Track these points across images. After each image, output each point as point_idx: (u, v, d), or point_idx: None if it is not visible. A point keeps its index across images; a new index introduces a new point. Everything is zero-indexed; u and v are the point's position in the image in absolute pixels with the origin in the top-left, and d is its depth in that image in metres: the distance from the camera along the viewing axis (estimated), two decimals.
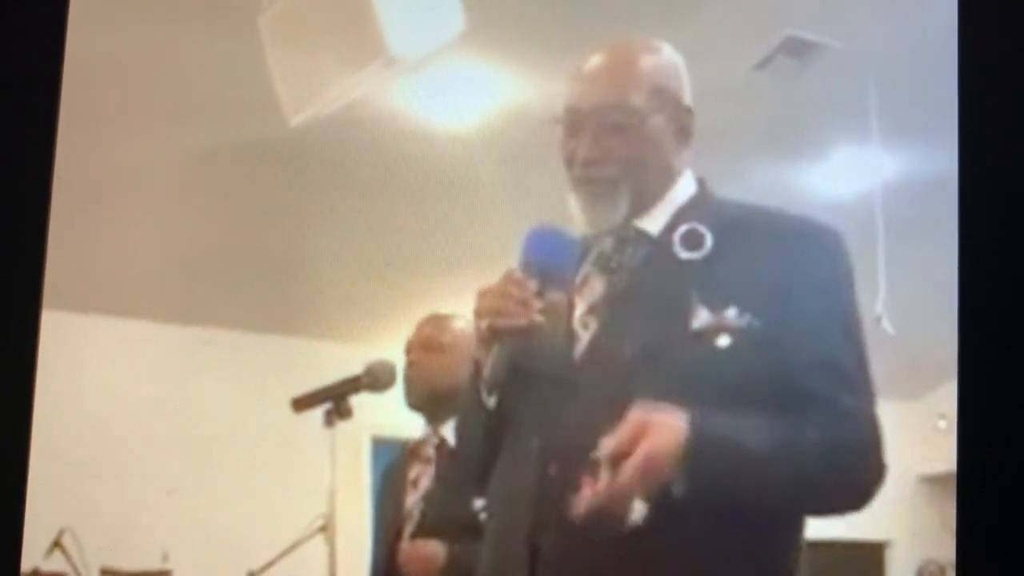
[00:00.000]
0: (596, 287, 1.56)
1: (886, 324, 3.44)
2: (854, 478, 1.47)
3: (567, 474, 1.44)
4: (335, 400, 2.50)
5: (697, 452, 1.39)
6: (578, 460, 1.44)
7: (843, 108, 3.63)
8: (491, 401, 1.57)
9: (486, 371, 1.54)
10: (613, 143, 1.56)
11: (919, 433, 5.41)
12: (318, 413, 2.53)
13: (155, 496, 4.44)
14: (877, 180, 3.70)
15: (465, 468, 1.75)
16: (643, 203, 1.56)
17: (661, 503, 1.39)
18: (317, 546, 2.65)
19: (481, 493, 1.68)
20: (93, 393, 4.52)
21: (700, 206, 1.58)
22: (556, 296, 1.55)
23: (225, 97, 3.48)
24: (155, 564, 4.14)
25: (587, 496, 1.42)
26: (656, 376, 1.45)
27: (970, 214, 1.54)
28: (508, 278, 1.52)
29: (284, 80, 2.96)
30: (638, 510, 1.43)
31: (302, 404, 2.57)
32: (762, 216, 1.57)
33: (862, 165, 3.81)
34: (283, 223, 4.20)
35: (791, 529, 1.50)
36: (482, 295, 1.53)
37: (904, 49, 3.33)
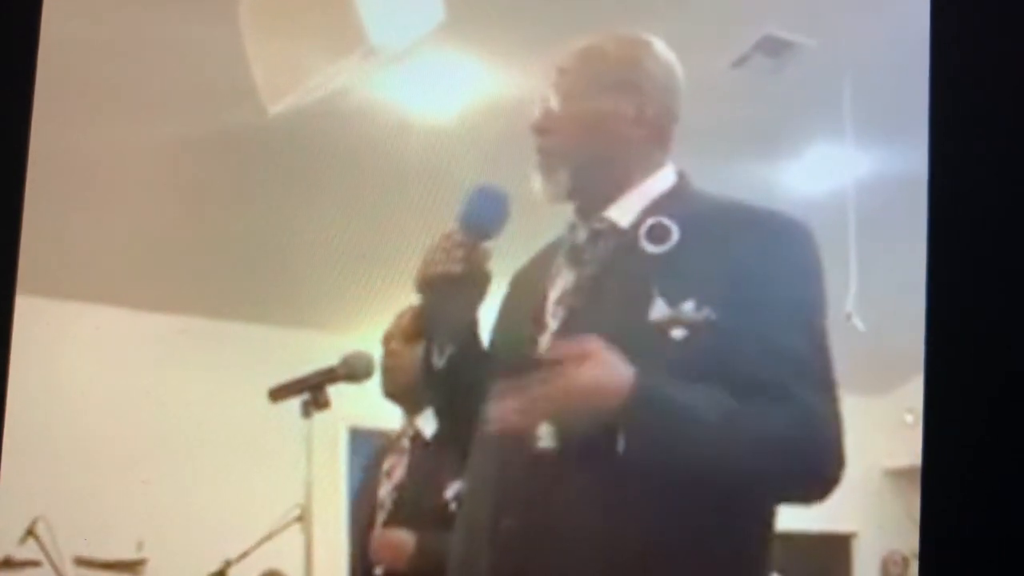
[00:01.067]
0: (567, 278, 1.59)
1: (856, 321, 3.47)
2: (812, 469, 1.48)
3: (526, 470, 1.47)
4: (312, 390, 2.51)
5: (642, 405, 1.41)
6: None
7: (818, 107, 3.66)
8: (440, 362, 1.60)
9: (425, 325, 1.61)
10: (563, 114, 1.61)
11: (886, 427, 5.46)
12: (295, 403, 2.54)
13: (130, 485, 4.43)
14: (850, 178, 3.73)
15: (436, 446, 1.78)
16: (606, 186, 1.60)
17: (607, 462, 1.41)
18: (294, 536, 2.66)
19: (456, 474, 1.71)
20: (68, 381, 4.50)
21: (674, 199, 1.60)
22: (484, 245, 1.59)
23: (204, 85, 3.48)
24: (130, 553, 4.13)
25: (503, 408, 1.46)
26: (647, 428, 1.43)
27: (940, 212, 1.57)
28: (441, 236, 1.59)
29: (263, 69, 2.96)
30: (545, 435, 1.46)
31: (279, 394, 2.58)
32: (733, 210, 1.58)
33: (836, 163, 3.84)
34: (260, 212, 4.19)
35: (755, 516, 1.51)
36: (424, 252, 1.60)
37: (879, 48, 3.37)
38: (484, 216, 1.61)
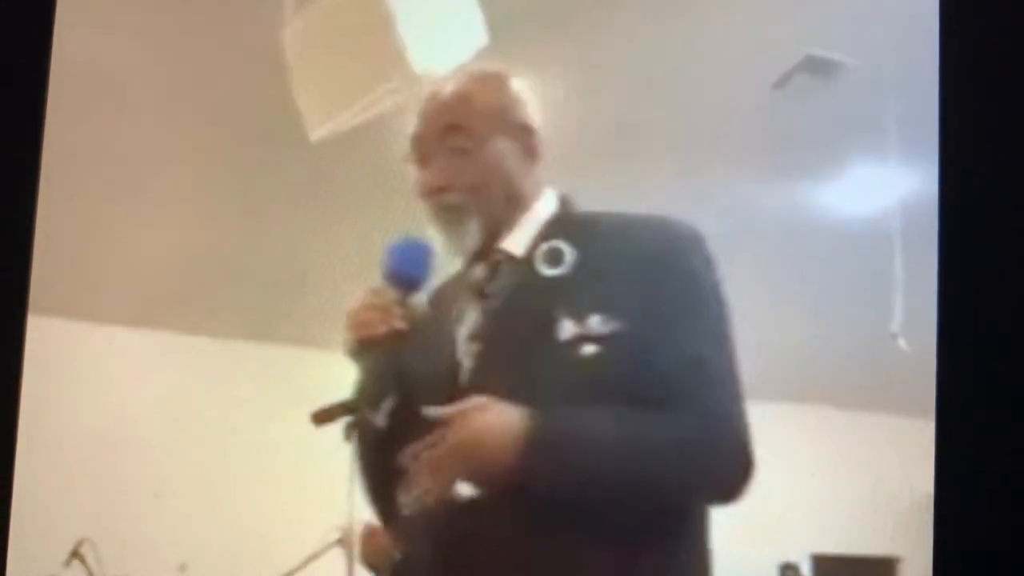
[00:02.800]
0: (472, 316, 1.61)
1: (901, 342, 3.44)
2: (720, 470, 1.52)
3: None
4: (354, 412, 2.51)
5: (539, 439, 1.44)
6: None
7: (861, 126, 3.63)
8: (379, 419, 1.62)
9: (360, 387, 1.61)
10: (457, 169, 1.62)
11: (931, 450, 5.40)
12: (337, 426, 2.55)
13: (172, 508, 4.46)
14: (895, 198, 3.69)
15: (367, 494, 1.79)
16: (501, 225, 1.62)
17: (524, 505, 1.45)
18: (335, 558, 2.66)
19: (385, 520, 1.73)
20: (111, 402, 4.54)
21: (563, 222, 1.63)
22: (418, 301, 1.60)
23: (238, 108, 3.50)
24: (172, 575, 4.16)
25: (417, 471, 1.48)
26: (533, 393, 1.49)
27: (951, 230, 1.55)
28: (368, 291, 1.58)
29: (305, 94, 2.98)
30: (465, 492, 1.48)
31: (321, 417, 2.58)
32: (622, 223, 1.62)
33: (880, 184, 3.81)
34: (284, 233, 4.21)
35: (678, 526, 1.52)
36: (348, 314, 1.59)
37: (923, 67, 3.33)
38: (413, 269, 1.61)
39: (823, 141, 3.91)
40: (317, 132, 2.99)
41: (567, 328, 1.52)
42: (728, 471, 1.52)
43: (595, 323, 1.51)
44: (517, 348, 1.55)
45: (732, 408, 1.52)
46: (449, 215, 1.62)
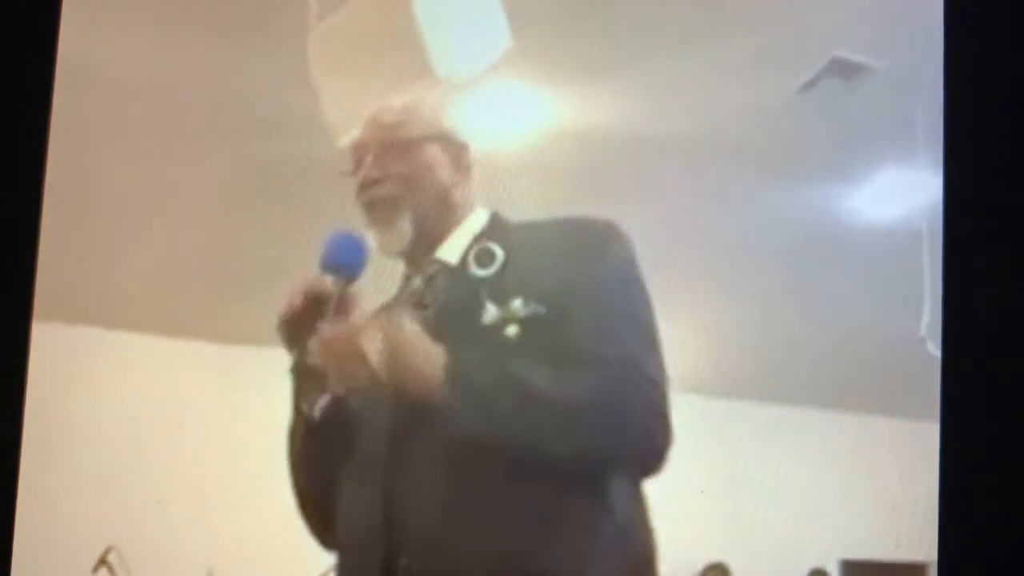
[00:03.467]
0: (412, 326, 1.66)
1: (931, 346, 3.41)
2: (643, 439, 1.59)
3: (411, 500, 1.57)
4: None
5: (456, 369, 1.53)
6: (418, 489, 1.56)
7: (890, 130, 3.61)
8: (315, 412, 1.67)
9: (298, 381, 1.67)
10: (392, 163, 1.72)
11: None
12: None
13: (198, 515, 4.47)
14: (923, 203, 3.67)
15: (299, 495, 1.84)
16: (432, 228, 1.71)
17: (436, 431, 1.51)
18: None
19: (318, 527, 1.77)
20: (133, 411, 4.56)
21: (495, 231, 1.73)
22: (352, 289, 1.66)
23: (253, 112, 3.52)
24: None
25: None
26: (465, 385, 1.55)
27: (956, 232, 1.55)
28: (305, 286, 1.65)
29: (330, 99, 2.98)
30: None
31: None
32: (551, 224, 1.73)
33: (908, 188, 3.78)
34: (293, 239, 4.21)
35: (593, 487, 1.57)
36: (285, 306, 1.66)
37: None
38: (351, 260, 1.67)
39: (850, 144, 3.89)
40: (342, 139, 3.00)
41: (491, 312, 1.60)
42: (654, 440, 1.58)
43: (517, 306, 1.59)
44: (449, 343, 1.60)
45: (656, 379, 1.59)
46: (383, 209, 1.70)
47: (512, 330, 1.58)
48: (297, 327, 1.65)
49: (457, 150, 1.76)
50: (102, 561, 3.90)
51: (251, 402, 4.79)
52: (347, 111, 3.19)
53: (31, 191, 1.55)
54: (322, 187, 3.76)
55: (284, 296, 1.67)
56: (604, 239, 1.67)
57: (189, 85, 3.39)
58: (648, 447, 1.58)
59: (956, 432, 1.53)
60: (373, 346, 1.54)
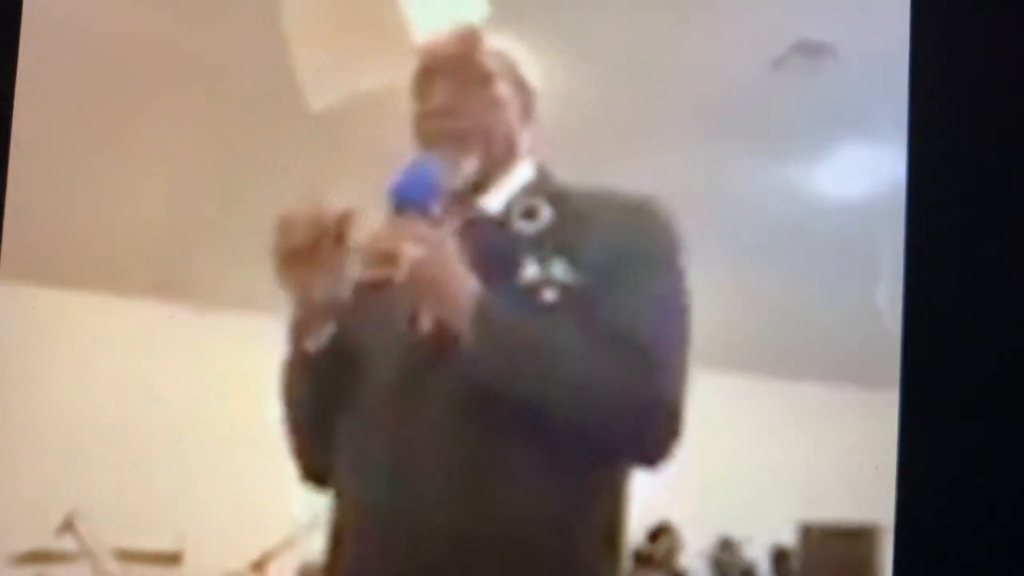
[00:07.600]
0: None
1: (887, 321, 3.48)
2: (648, 427, 1.55)
3: (419, 445, 1.51)
4: None
5: (488, 311, 1.50)
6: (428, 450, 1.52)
7: (855, 109, 3.67)
8: (311, 344, 1.61)
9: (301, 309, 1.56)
10: (467, 96, 1.64)
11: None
12: None
13: (167, 478, 4.47)
14: (887, 179, 3.73)
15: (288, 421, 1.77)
16: (487, 177, 1.65)
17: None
18: None
19: (312, 465, 1.70)
20: (99, 374, 4.54)
21: (541, 186, 1.68)
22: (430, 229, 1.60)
23: (229, 73, 3.49)
24: (170, 545, 4.17)
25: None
26: (492, 335, 1.51)
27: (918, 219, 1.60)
28: (388, 223, 1.61)
29: (307, 66, 2.99)
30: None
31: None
32: (601, 194, 1.72)
33: (873, 165, 3.85)
34: (273, 202, 4.18)
35: (599, 464, 1.58)
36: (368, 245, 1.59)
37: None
38: (427, 195, 1.62)
39: (816, 123, 3.94)
40: (318, 104, 3.01)
41: (531, 270, 1.56)
42: (659, 430, 1.54)
43: (559, 270, 1.55)
44: (480, 292, 1.55)
45: (676, 373, 1.59)
46: (450, 143, 1.62)
47: (550, 295, 1.54)
48: (301, 260, 1.57)
49: (527, 96, 1.68)
50: (67, 525, 3.90)
51: (227, 364, 4.81)
52: (323, 76, 3.20)
53: None
54: (299, 144, 3.77)
55: (274, 231, 1.56)
56: (660, 224, 1.62)
57: (160, 37, 3.36)
58: (654, 437, 1.58)
59: (915, 404, 1.58)
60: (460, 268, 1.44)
